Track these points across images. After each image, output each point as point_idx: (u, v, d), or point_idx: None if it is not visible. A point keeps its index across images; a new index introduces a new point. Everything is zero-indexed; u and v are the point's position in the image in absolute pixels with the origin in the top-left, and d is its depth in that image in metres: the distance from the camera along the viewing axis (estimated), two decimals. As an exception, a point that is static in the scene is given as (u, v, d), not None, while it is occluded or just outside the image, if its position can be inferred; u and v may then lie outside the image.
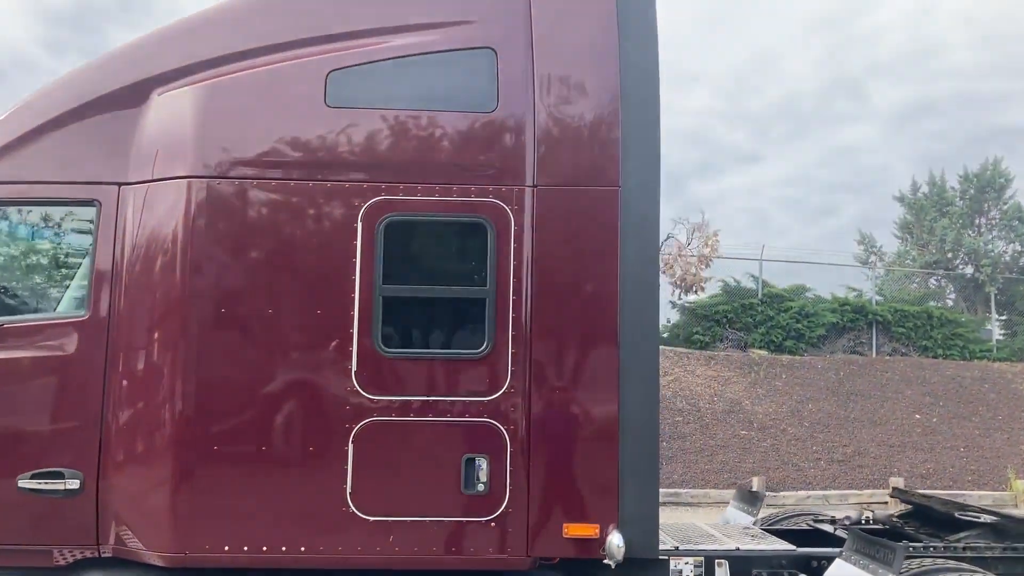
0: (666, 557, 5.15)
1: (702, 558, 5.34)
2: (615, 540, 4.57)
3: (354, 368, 4.65)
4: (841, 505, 13.41)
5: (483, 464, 4.64)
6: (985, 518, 5.65)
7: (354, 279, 4.70)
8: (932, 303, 26.68)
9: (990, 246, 32.84)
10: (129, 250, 4.79)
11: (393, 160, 4.86)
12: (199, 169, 4.77)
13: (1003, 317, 29.42)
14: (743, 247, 27.22)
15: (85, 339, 4.71)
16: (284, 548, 4.56)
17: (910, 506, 6.76)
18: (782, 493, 14.82)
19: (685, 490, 14.69)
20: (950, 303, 30.82)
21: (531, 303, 4.74)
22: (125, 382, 4.68)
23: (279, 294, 4.70)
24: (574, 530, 4.66)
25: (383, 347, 4.69)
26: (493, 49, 4.99)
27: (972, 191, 34.91)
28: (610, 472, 4.68)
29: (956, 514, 5.78)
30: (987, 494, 15.49)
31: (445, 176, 4.82)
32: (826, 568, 5.23)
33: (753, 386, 19.09)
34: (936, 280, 32.76)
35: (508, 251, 4.76)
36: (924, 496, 6.73)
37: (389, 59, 4.97)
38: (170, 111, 4.89)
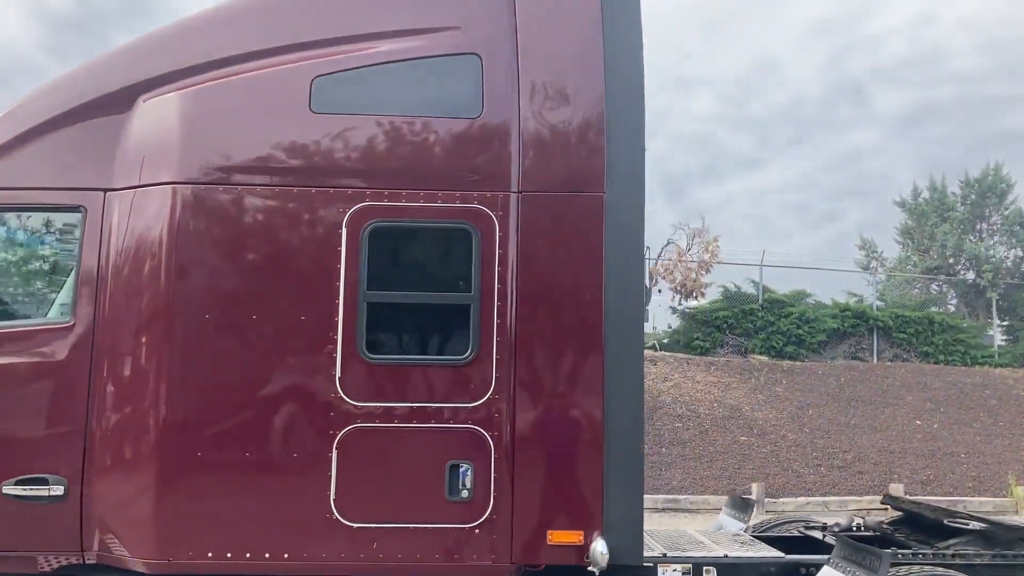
0: (652, 564, 5.14)
1: (690, 565, 5.30)
2: (599, 547, 4.57)
3: (338, 374, 4.65)
4: (841, 511, 13.32)
5: (467, 471, 4.63)
6: (974, 525, 5.61)
7: (338, 285, 4.70)
8: (933, 309, 26.62)
9: (991, 251, 32.85)
10: (115, 256, 4.79)
11: (377, 166, 4.86)
12: (184, 175, 4.77)
13: (1004, 323, 29.41)
14: (744, 252, 27.25)
15: (70, 345, 4.71)
16: (268, 555, 4.55)
17: (901, 513, 6.72)
18: (782, 499, 14.79)
19: (684, 496, 14.58)
20: (951, 309, 30.77)
21: (516, 309, 4.74)
22: (110, 388, 4.68)
23: (263, 300, 4.70)
24: (559, 537, 4.65)
25: (367, 353, 4.68)
26: (478, 55, 4.99)
27: (973, 196, 34.94)
28: (595, 479, 4.68)
29: (945, 521, 5.74)
30: (988, 500, 15.45)
31: (430, 182, 4.83)
32: (814, 575, 5.22)
33: (753, 392, 19.06)
34: (937, 286, 32.70)
35: (493, 257, 4.76)
36: (914, 503, 6.69)
37: (374, 65, 4.97)
38: (156, 117, 4.90)
